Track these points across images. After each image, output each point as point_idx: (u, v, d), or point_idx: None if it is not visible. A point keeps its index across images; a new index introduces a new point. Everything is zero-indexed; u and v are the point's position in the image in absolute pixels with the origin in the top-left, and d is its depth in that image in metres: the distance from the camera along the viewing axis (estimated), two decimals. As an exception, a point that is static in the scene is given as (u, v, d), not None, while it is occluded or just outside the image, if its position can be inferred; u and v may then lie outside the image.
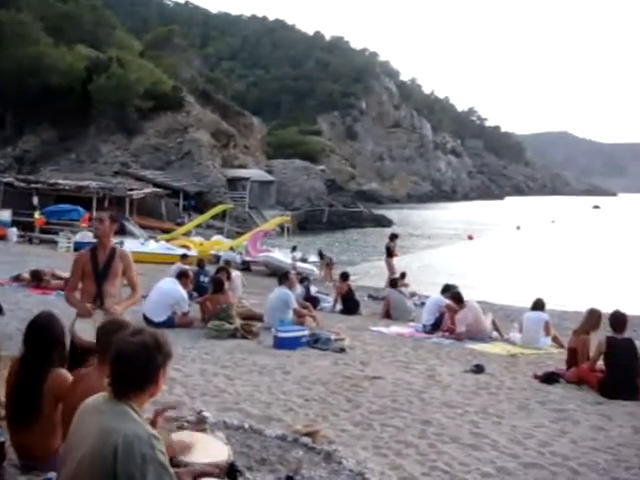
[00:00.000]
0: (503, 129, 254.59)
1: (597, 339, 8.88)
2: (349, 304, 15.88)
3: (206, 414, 5.27)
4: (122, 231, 28.76)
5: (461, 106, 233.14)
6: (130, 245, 22.02)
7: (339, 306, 15.92)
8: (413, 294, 18.43)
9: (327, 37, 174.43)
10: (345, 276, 16.53)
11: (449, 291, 13.59)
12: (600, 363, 8.63)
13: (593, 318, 9.50)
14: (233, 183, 53.88)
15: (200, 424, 5.00)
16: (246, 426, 5.69)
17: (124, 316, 5.38)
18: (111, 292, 5.97)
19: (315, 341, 10.26)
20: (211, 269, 16.09)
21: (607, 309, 9.63)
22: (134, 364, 2.88)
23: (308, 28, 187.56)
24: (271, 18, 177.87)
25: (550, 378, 8.90)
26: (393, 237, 22.76)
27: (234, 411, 6.42)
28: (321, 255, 26.69)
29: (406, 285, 18.24)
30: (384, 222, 60.70)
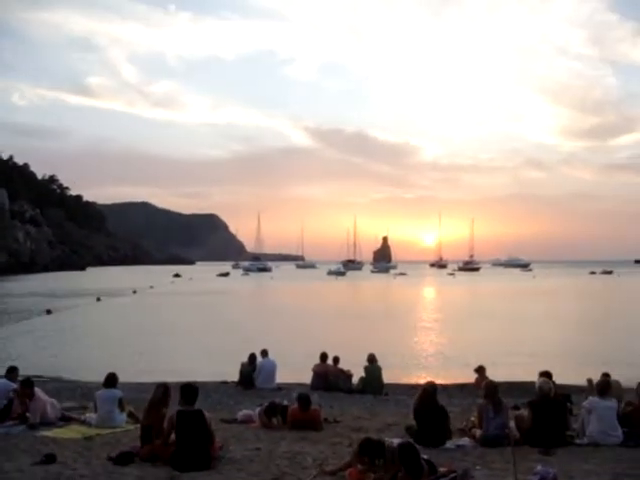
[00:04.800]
0: (85, 198, 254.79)
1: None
2: None
3: None
4: None
5: (41, 174, 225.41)
6: None
7: None
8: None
9: None
10: None
11: (14, 372, 12.81)
12: (173, 437, 8.73)
13: (160, 391, 9.58)
14: None
15: None
16: None
17: None
18: None
19: None
20: None
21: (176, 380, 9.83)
22: None
23: None
24: None
25: (124, 458, 8.75)
26: None
27: None
28: None
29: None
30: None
